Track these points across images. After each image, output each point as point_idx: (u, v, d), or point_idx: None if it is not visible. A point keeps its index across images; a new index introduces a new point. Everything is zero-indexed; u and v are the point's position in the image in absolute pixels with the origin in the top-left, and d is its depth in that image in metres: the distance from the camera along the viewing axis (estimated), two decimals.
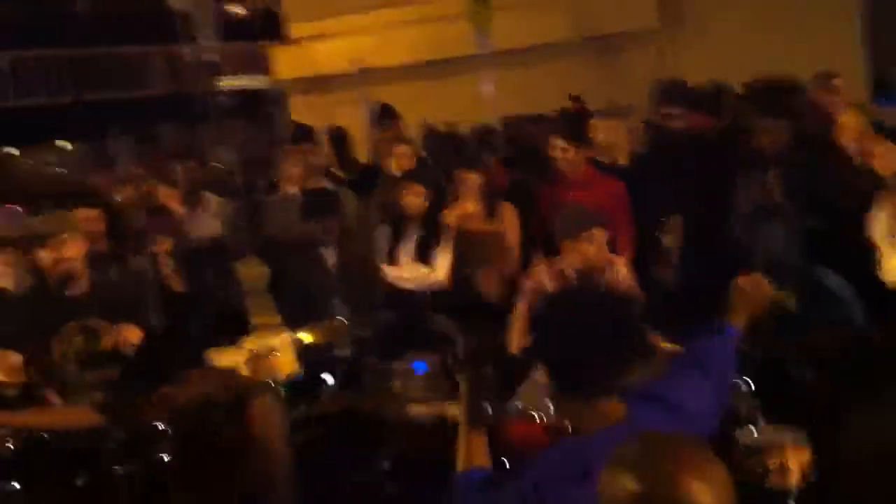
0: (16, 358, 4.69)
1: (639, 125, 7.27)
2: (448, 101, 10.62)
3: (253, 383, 4.13)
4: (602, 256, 4.91)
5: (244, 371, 4.78)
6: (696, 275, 5.64)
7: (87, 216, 5.75)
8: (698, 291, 3.97)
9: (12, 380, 4.67)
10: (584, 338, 2.56)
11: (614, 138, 6.61)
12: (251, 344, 4.98)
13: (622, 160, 6.58)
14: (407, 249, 6.11)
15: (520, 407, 4.36)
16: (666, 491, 1.74)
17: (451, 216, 6.17)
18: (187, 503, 2.63)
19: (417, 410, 4.83)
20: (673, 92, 6.66)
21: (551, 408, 4.12)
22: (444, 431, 4.41)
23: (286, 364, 4.90)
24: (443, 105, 10.26)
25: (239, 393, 3.37)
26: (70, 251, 4.82)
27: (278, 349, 4.89)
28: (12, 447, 4.18)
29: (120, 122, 23.19)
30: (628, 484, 1.77)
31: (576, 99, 9.13)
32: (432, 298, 6.08)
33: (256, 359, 4.82)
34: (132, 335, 4.76)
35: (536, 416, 4.21)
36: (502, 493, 2.53)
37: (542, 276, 5.09)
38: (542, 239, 5.87)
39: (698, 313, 3.10)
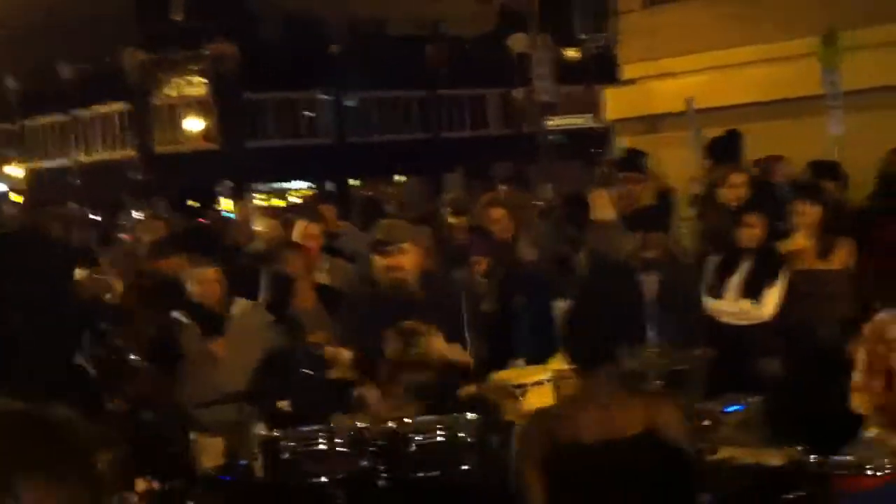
0: (347, 354, 4.86)
1: None
2: (789, 143, 9.99)
3: None
4: None
5: (548, 390, 4.65)
6: None
7: (425, 233, 6.01)
8: None
9: (344, 376, 4.83)
10: None
11: None
12: (557, 364, 4.84)
13: None
14: (735, 282, 5.73)
15: (851, 460, 3.93)
16: None
17: (781, 250, 5.77)
18: None
19: (729, 454, 4.48)
20: None
21: (886, 464, 3.74)
22: (761, 477, 4.07)
23: None
24: (783, 146, 9.65)
25: None
26: (406, 260, 4.93)
27: None
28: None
29: (456, 160, 24.30)
30: None
31: None
32: (759, 338, 5.67)
33: (561, 379, 4.68)
34: (440, 346, 4.78)
35: (870, 471, 3.77)
36: None
37: (888, 325, 4.53)
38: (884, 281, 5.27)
39: None
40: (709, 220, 6.55)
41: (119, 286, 7.34)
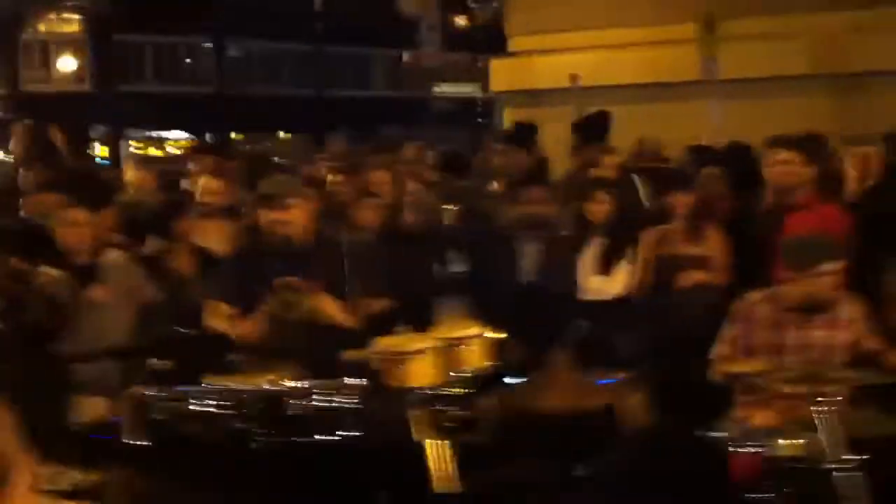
0: (227, 309, 4.79)
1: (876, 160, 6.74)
2: (667, 126, 10.27)
3: None
4: (830, 292, 4.48)
5: (430, 358, 4.66)
6: None
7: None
8: None
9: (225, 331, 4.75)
10: None
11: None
12: (439, 332, 4.85)
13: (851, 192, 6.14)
14: (587, 258, 5.89)
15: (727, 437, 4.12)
16: None
17: (649, 236, 5.95)
18: None
19: None
20: None
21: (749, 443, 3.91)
22: None
23: (473, 358, 4.74)
24: (661, 128, 9.91)
25: None
26: (294, 215, 4.86)
27: (466, 342, 4.74)
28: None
29: (340, 119, 24.07)
30: None
31: None
32: (623, 315, 5.85)
33: (442, 348, 4.69)
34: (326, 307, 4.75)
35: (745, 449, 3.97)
36: None
37: (755, 305, 4.74)
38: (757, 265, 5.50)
39: None
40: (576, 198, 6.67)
41: None
